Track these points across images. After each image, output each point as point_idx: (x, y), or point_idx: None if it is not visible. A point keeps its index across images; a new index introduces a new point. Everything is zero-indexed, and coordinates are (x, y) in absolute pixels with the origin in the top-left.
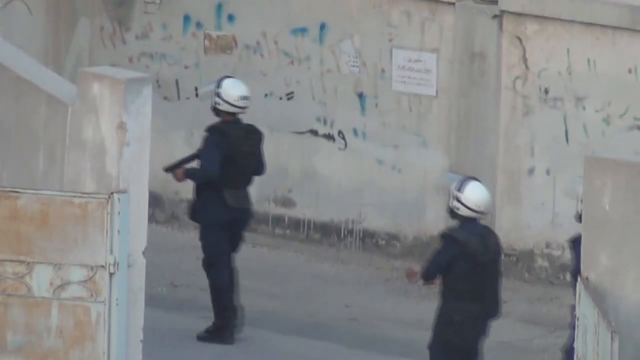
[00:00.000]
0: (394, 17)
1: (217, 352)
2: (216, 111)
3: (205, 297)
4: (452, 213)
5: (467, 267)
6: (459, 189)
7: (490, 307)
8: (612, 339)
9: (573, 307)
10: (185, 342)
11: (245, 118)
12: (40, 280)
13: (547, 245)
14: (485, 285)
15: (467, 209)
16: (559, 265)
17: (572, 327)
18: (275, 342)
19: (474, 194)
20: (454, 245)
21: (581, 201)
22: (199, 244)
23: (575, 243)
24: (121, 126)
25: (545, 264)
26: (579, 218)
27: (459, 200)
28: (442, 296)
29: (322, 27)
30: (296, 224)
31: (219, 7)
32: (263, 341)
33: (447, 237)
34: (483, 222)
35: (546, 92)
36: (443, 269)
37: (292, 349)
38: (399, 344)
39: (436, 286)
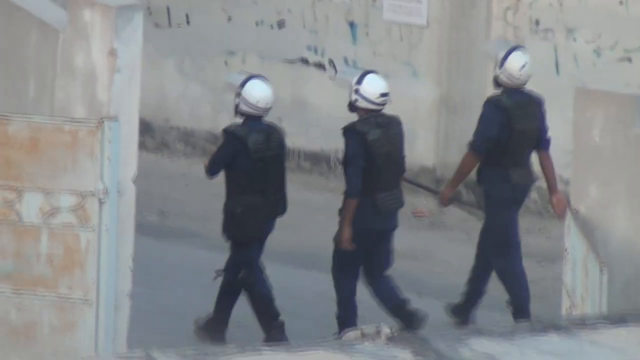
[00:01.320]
0: None
1: (206, 283)
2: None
3: (194, 226)
4: (236, 110)
5: (247, 162)
6: (359, 82)
7: (274, 203)
8: (601, 271)
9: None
10: (175, 271)
11: (238, 48)
12: (30, 206)
13: (537, 177)
14: (268, 181)
15: (367, 102)
16: (548, 197)
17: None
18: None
19: (256, 93)
20: (235, 141)
21: (354, 91)
22: (189, 172)
23: (346, 131)
24: (112, 53)
25: (535, 195)
26: (349, 106)
27: (357, 93)
28: (226, 192)
29: None
30: (286, 153)
31: None
32: None
33: (228, 133)
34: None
35: (537, 23)
36: (225, 163)
37: (282, 279)
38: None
39: (427, 217)
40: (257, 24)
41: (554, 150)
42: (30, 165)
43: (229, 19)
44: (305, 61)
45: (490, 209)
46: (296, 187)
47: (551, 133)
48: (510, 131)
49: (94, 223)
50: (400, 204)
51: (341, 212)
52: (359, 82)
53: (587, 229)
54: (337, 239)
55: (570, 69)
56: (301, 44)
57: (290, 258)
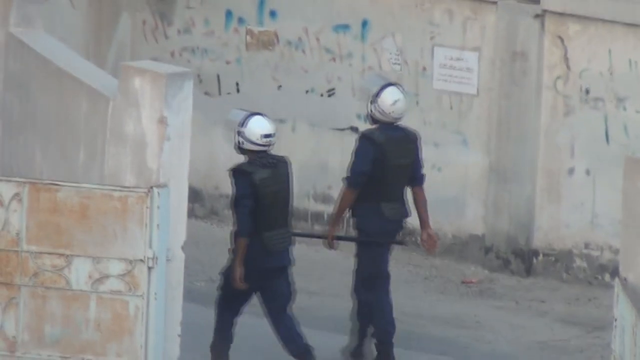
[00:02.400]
0: (436, 15)
1: (252, 344)
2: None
3: None
4: (240, 149)
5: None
6: (243, 125)
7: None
8: None
9: None
10: None
11: (288, 116)
12: (79, 273)
13: (586, 246)
14: (277, 214)
15: (251, 143)
16: (597, 265)
17: None
18: (313, 339)
19: (257, 127)
20: (246, 177)
21: (237, 133)
22: None
23: (233, 172)
24: (162, 120)
25: (584, 264)
26: (236, 148)
27: (242, 135)
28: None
29: (364, 24)
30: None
31: (261, 3)
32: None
33: (236, 171)
34: None
35: (587, 92)
36: (248, 205)
37: (331, 346)
38: (437, 342)
39: (475, 285)
40: (307, 92)
41: (603, 219)
42: (79, 232)
43: (279, 87)
44: (355, 129)
45: (361, 243)
46: (345, 255)
47: (601, 202)
48: (383, 166)
49: (142, 290)
50: (288, 242)
51: (233, 251)
52: (243, 124)
53: (636, 297)
54: (227, 275)
55: (621, 138)
56: (351, 112)
57: (338, 325)
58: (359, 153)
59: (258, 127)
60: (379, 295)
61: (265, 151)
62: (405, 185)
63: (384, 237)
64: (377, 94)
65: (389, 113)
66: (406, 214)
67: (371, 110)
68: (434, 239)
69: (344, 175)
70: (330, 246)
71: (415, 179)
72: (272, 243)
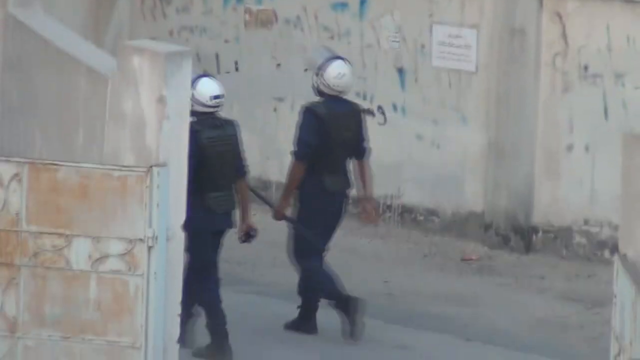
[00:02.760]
0: None
1: (255, 327)
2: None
3: (242, 271)
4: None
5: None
6: (192, 86)
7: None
8: None
9: None
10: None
11: (287, 94)
12: (79, 253)
13: (586, 222)
14: (222, 176)
15: (200, 105)
16: (597, 242)
17: None
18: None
19: (206, 89)
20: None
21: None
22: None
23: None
24: (161, 99)
25: (584, 240)
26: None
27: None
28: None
29: (363, 2)
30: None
31: None
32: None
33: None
34: None
35: (585, 68)
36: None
37: (331, 323)
38: (436, 319)
39: (475, 262)
40: (305, 70)
41: (602, 195)
42: (79, 212)
43: (278, 65)
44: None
45: (302, 214)
46: (344, 233)
47: (600, 178)
48: (327, 139)
49: (142, 269)
50: (232, 204)
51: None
52: (192, 86)
53: (636, 273)
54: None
55: (619, 115)
56: (351, 90)
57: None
58: (303, 126)
59: (207, 88)
60: (320, 264)
61: (213, 112)
62: (348, 158)
63: (328, 209)
64: (322, 67)
65: (334, 86)
66: (349, 186)
67: (316, 83)
68: (372, 211)
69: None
70: (277, 219)
71: (359, 152)
72: (217, 204)
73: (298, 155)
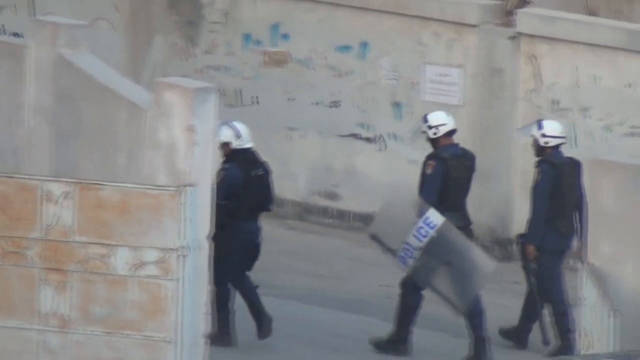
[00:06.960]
0: (425, 37)
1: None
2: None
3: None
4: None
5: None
6: None
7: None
8: (611, 316)
9: None
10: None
11: (299, 125)
12: (120, 260)
13: None
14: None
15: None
16: None
17: None
18: (320, 316)
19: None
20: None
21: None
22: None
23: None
24: (190, 128)
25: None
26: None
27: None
28: None
29: (364, 45)
30: (340, 215)
31: (275, 27)
32: (310, 315)
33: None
34: None
35: (556, 103)
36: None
37: (335, 322)
38: (429, 319)
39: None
40: (315, 103)
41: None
42: (120, 225)
43: (291, 99)
44: (356, 136)
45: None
46: (349, 244)
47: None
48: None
49: (175, 274)
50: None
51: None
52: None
53: (601, 279)
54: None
55: (586, 143)
56: (353, 121)
57: (341, 304)
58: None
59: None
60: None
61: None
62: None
63: None
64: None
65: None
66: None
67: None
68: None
69: (347, 175)
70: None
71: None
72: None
73: None
